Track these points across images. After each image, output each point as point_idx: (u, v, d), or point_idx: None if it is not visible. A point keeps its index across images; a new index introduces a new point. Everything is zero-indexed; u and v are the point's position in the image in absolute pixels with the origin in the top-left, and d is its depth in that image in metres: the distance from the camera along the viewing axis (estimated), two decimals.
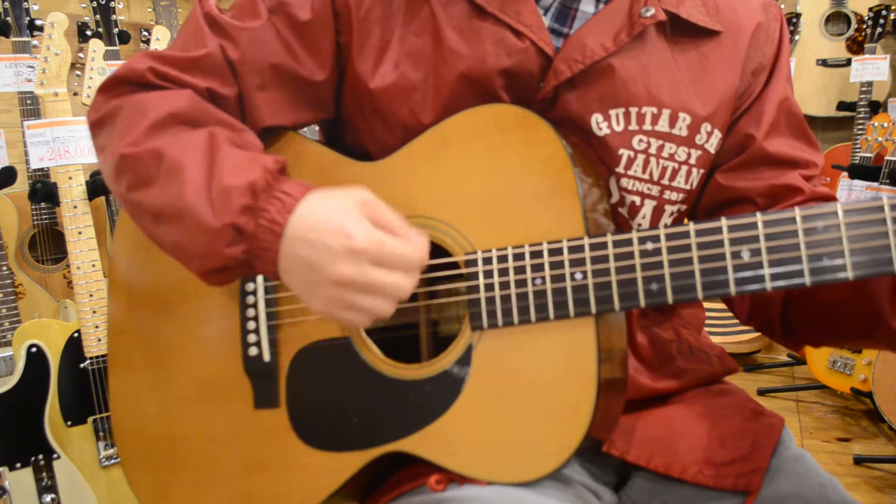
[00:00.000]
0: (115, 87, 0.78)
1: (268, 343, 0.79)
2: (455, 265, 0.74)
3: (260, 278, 0.80)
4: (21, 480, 1.55)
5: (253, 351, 0.79)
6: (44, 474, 1.57)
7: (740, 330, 2.71)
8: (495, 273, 0.71)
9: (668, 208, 0.81)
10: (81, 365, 1.62)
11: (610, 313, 0.69)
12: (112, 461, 1.65)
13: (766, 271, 0.63)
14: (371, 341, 0.77)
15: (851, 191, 2.54)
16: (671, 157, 0.79)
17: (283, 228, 0.67)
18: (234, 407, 0.77)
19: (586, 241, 0.68)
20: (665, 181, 0.79)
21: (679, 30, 0.79)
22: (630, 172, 0.78)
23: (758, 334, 2.68)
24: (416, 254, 0.67)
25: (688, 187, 0.81)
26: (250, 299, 0.80)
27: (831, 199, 0.83)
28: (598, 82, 0.76)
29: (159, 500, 0.83)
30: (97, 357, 1.63)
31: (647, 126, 0.78)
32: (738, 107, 0.82)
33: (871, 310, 0.71)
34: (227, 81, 0.78)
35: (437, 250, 0.75)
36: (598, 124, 0.77)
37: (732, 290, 0.64)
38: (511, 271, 0.70)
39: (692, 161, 0.80)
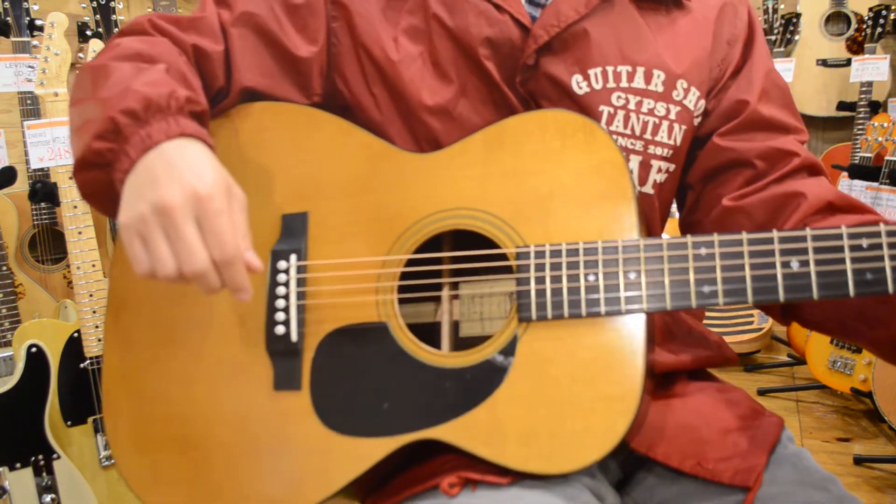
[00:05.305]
0: (117, 37, 0.84)
1: (296, 322, 0.78)
2: (504, 258, 0.74)
3: (293, 257, 0.79)
4: (21, 480, 1.55)
5: (280, 330, 0.78)
6: (44, 474, 1.57)
7: (740, 330, 2.71)
8: (547, 267, 0.72)
9: (655, 164, 0.85)
10: (81, 365, 1.62)
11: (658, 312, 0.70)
12: (112, 461, 1.65)
13: (814, 281, 0.66)
14: (407, 328, 0.76)
15: (851, 191, 2.54)
16: (650, 112, 0.83)
17: (154, 147, 0.68)
18: (249, 387, 0.75)
19: (641, 243, 0.70)
20: (648, 136, 0.84)
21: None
22: (612, 128, 0.82)
23: (758, 334, 2.68)
24: (232, 247, 0.64)
25: (671, 143, 0.85)
26: (282, 277, 0.79)
27: (819, 167, 0.87)
28: (574, 46, 0.82)
29: (149, 483, 0.79)
30: (97, 357, 1.63)
31: (624, 83, 0.82)
32: (721, 73, 0.87)
33: (878, 322, 0.73)
34: (217, 41, 0.84)
35: (486, 244, 0.75)
36: (579, 84, 0.82)
37: (781, 296, 0.67)
38: (564, 266, 0.72)
39: (672, 116, 0.84)
